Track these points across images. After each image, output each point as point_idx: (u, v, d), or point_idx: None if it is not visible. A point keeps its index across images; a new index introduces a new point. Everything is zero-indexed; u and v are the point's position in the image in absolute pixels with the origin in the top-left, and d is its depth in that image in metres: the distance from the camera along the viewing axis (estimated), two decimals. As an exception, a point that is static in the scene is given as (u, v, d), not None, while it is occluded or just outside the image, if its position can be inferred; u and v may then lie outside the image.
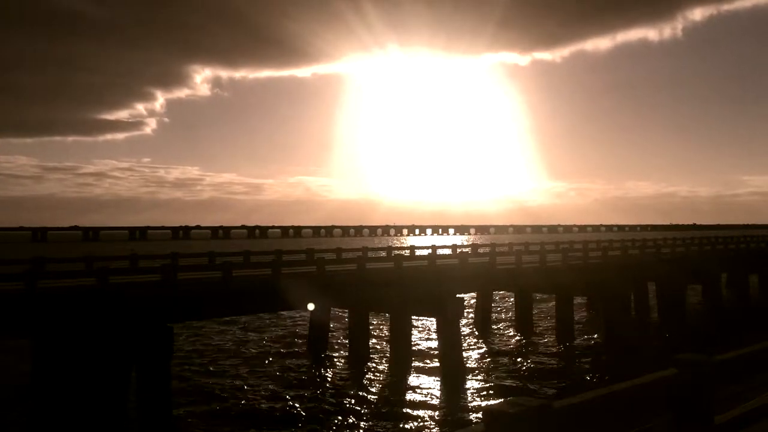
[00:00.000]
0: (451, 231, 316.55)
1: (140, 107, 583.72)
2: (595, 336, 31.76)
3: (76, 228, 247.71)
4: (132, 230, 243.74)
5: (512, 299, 38.60)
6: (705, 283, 42.62)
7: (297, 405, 19.70)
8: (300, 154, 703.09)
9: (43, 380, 19.07)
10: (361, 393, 20.98)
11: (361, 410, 19.09)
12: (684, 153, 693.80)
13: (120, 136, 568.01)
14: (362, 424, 17.86)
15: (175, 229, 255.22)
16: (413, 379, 22.70)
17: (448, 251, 33.65)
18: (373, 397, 20.65)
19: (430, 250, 30.77)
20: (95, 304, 18.04)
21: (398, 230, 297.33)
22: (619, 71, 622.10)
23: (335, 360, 26.43)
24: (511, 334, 32.71)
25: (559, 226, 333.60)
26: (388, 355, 26.20)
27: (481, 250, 35.85)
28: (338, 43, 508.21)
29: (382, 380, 22.96)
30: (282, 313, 35.79)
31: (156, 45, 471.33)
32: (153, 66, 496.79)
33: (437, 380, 22.52)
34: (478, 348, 28.92)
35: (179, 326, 29.24)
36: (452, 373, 23.02)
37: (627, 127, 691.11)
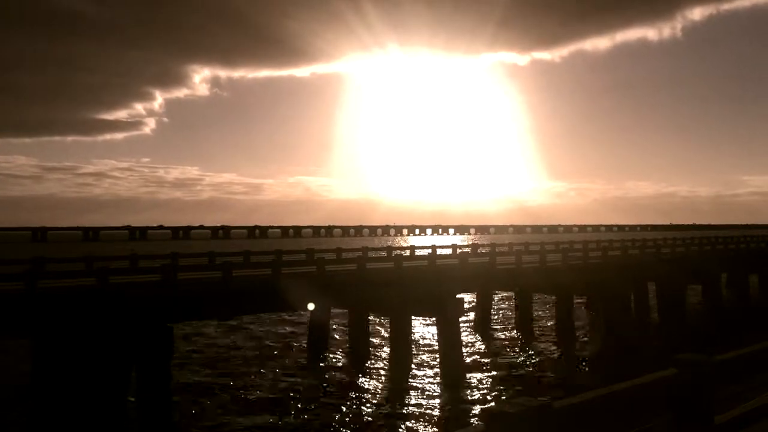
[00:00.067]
0: (451, 231, 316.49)
1: (139, 107, 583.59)
2: (595, 336, 31.77)
3: (76, 228, 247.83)
4: (132, 230, 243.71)
5: (512, 299, 38.60)
6: (705, 283, 42.62)
7: (297, 405, 19.70)
8: (300, 154, 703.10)
9: (43, 380, 19.06)
10: (361, 393, 20.99)
11: (361, 410, 19.10)
12: (684, 153, 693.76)
13: (119, 136, 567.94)
14: (362, 424, 17.86)
15: (175, 229, 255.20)
16: (413, 379, 22.70)
17: (448, 251, 33.66)
18: (373, 397, 20.65)
19: (430, 250, 30.79)
20: (95, 304, 18.04)
21: (398, 230, 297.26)
22: (619, 71, 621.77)
23: (335, 360, 26.43)
24: (511, 334, 32.72)
25: (560, 226, 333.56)
26: (388, 355, 26.20)
27: (481, 250, 35.87)
28: (338, 43, 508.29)
29: (382, 380, 22.96)
30: (282, 313, 35.78)
31: (154, 45, 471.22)
32: (152, 66, 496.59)
33: (437, 380, 22.52)
34: (478, 348, 28.92)
35: (179, 326, 29.27)
36: (452, 373, 23.02)
37: (627, 127, 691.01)
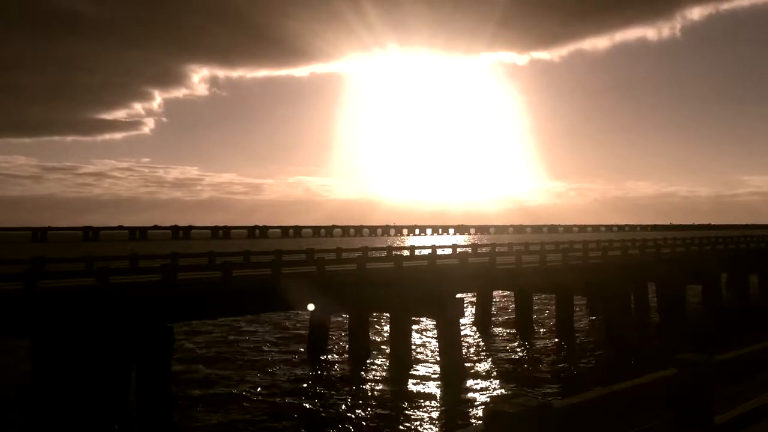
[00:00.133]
0: (451, 231, 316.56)
1: (138, 107, 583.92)
2: (595, 336, 31.78)
3: (76, 228, 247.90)
4: (132, 230, 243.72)
5: (512, 299, 38.60)
6: (705, 283, 42.62)
7: (297, 405, 19.70)
8: (299, 154, 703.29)
9: (43, 380, 19.07)
10: (361, 393, 21.00)
11: (361, 410, 19.10)
12: (684, 153, 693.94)
13: (118, 135, 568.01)
14: (362, 424, 17.86)
15: (175, 229, 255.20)
16: (413, 379, 22.70)
17: (448, 251, 33.66)
18: (373, 397, 20.65)
19: (430, 250, 30.77)
20: (95, 304, 18.04)
21: (398, 230, 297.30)
22: (618, 71, 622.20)
23: (335, 360, 26.43)
24: (511, 334, 32.71)
25: (560, 226, 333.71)
26: (388, 355, 26.20)
27: (481, 250, 35.86)
28: (337, 43, 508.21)
29: (382, 380, 22.95)
30: (282, 312, 35.77)
31: (153, 45, 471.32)
32: (151, 66, 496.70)
33: (437, 380, 22.52)
34: (478, 348, 28.92)
35: (179, 326, 29.27)
36: (452, 373, 23.02)
37: (626, 127, 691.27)
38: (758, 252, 51.69)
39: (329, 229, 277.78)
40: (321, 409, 19.22)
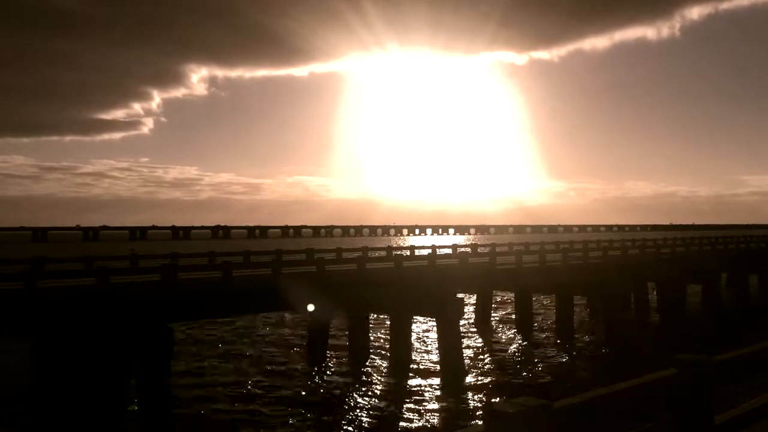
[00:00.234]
0: (451, 231, 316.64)
1: (137, 107, 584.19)
2: (595, 336, 31.78)
3: (76, 228, 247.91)
4: (132, 230, 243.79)
5: (512, 299, 38.60)
6: (705, 283, 42.62)
7: (297, 404, 19.70)
8: (298, 153, 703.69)
9: (43, 380, 19.07)
10: (361, 393, 21.00)
11: (361, 410, 19.10)
12: (683, 153, 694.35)
13: (117, 135, 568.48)
14: (362, 424, 17.86)
15: (175, 229, 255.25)
16: (413, 379, 22.70)
17: (448, 251, 33.66)
18: (373, 397, 20.65)
19: (430, 250, 30.78)
20: (95, 304, 18.04)
21: (398, 230, 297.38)
22: (617, 70, 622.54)
23: (335, 360, 26.42)
24: (511, 334, 32.72)
25: (560, 226, 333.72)
26: (388, 355, 26.20)
27: (481, 250, 35.86)
28: (337, 43, 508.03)
29: (382, 380, 22.96)
30: (282, 312, 35.76)
31: (152, 44, 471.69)
32: (149, 65, 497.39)
33: (437, 380, 22.52)
34: (478, 348, 28.92)
35: (179, 326, 29.27)
36: (452, 373, 23.02)
37: (626, 126, 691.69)
38: (758, 252, 51.70)
39: (329, 229, 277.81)
40: (321, 409, 19.21)
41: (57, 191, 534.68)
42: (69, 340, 17.82)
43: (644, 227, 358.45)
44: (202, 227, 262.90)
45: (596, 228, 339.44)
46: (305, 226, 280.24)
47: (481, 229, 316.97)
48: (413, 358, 25.53)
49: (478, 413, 18.44)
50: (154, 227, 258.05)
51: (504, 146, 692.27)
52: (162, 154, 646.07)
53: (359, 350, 26.68)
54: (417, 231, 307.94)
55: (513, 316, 36.44)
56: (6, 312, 17.19)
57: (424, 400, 19.99)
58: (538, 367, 25.02)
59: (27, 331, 18.63)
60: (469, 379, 22.89)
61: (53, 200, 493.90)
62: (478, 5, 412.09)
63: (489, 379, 22.94)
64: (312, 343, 28.33)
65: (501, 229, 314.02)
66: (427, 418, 18.23)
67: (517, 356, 27.18)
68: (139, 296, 19.14)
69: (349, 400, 20.19)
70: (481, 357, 26.95)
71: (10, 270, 20.86)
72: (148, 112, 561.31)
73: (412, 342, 27.03)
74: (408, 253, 34.95)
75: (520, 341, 30.68)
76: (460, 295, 25.02)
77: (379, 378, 23.30)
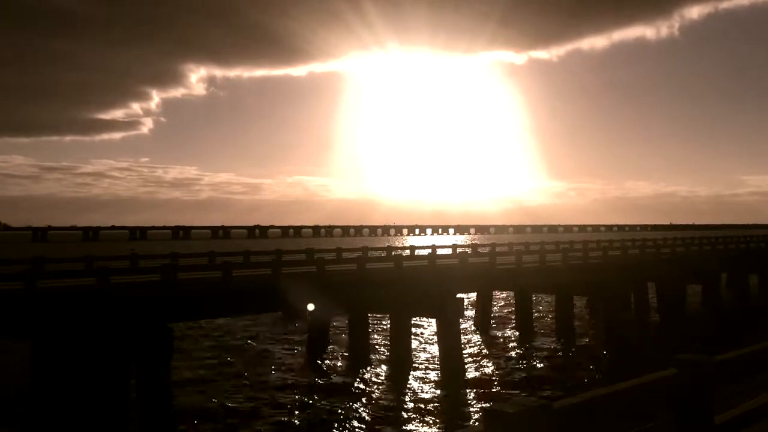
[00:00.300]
0: (451, 231, 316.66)
1: (136, 107, 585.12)
2: (595, 336, 31.77)
3: (76, 228, 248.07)
4: (132, 230, 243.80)
5: (512, 299, 38.58)
6: (705, 283, 42.61)
7: (297, 404, 19.70)
8: (298, 153, 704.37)
9: (43, 380, 19.07)
10: (360, 393, 20.99)
11: (361, 410, 19.09)
12: (683, 153, 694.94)
13: (116, 135, 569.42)
14: (362, 423, 17.85)
15: (175, 229, 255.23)
16: (413, 379, 22.69)
17: (448, 251, 33.67)
18: (372, 397, 20.64)
19: (430, 250, 30.77)
20: (95, 304, 18.04)
21: (398, 230, 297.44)
22: (617, 70, 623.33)
23: (335, 360, 26.42)
24: (511, 334, 32.71)
25: (559, 226, 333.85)
26: (388, 355, 26.20)
27: (481, 250, 35.87)
28: (336, 42, 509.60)
29: (382, 380, 22.95)
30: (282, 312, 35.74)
31: (150, 44, 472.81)
32: (148, 65, 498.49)
33: (437, 380, 22.51)
34: (478, 348, 28.91)
35: (179, 326, 29.27)
36: (452, 373, 23.02)
37: (625, 126, 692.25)
38: (758, 252, 51.69)
39: (329, 229, 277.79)
40: (321, 409, 19.21)
41: (57, 191, 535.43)
42: (69, 340, 17.82)
43: (644, 227, 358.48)
44: (201, 227, 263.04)
45: (596, 228, 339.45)
46: (305, 226, 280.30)
47: (481, 229, 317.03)
48: (413, 358, 25.52)
49: (478, 413, 18.44)
50: (154, 227, 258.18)
51: (504, 146, 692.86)
52: (161, 154, 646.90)
53: (359, 350, 26.67)
54: (417, 231, 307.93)
55: (513, 316, 36.44)
56: (6, 312, 17.19)
57: (424, 400, 19.99)
58: (538, 368, 25.01)
59: (27, 331, 18.64)
60: (469, 379, 22.88)
61: (53, 200, 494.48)
62: (478, 5, 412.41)
63: (489, 379, 22.93)
64: (312, 343, 28.34)
65: (501, 229, 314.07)
66: (427, 418, 18.22)
67: (517, 356, 27.17)
68: (139, 296, 19.15)
69: (349, 399, 20.17)
70: (481, 357, 26.94)
71: (10, 270, 20.87)
72: (148, 112, 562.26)
73: (412, 342, 27.03)
74: (408, 253, 34.95)
75: (520, 341, 30.67)
76: (460, 295, 25.01)
77: (379, 378, 23.30)
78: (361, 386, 21.90)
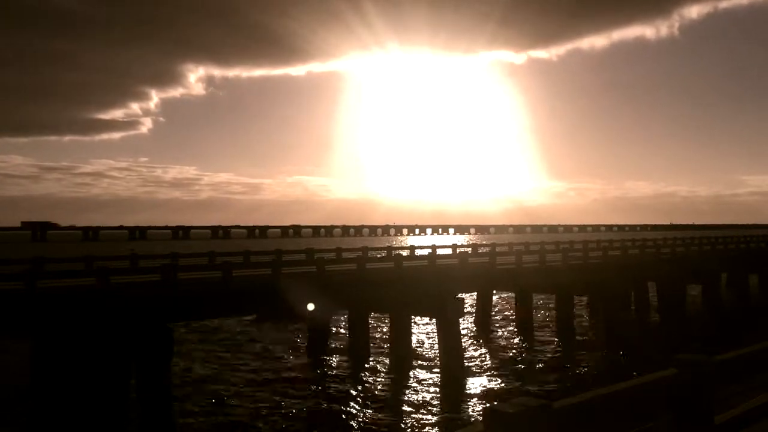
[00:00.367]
0: (451, 231, 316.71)
1: (135, 106, 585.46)
2: (595, 336, 31.76)
3: (76, 228, 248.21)
4: (132, 230, 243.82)
5: (512, 299, 38.59)
6: (705, 283, 42.61)
7: (297, 404, 19.69)
8: (297, 153, 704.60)
9: (43, 380, 19.07)
10: (360, 393, 20.98)
11: (360, 410, 19.09)
12: (684, 153, 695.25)
13: (116, 135, 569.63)
14: (362, 423, 17.85)
15: (175, 229, 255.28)
16: (413, 379, 22.69)
17: (448, 251, 33.67)
18: (373, 397, 20.64)
19: (430, 250, 30.77)
20: (95, 304, 18.04)
21: (398, 230, 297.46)
22: (616, 70, 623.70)
23: (335, 359, 26.42)
24: (511, 334, 32.71)
25: (560, 226, 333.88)
26: (388, 355, 26.19)
27: (481, 250, 35.87)
28: (336, 42, 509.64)
29: (382, 380, 22.95)
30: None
31: (149, 44, 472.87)
32: (147, 65, 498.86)
33: (437, 380, 22.51)
34: (478, 348, 28.91)
35: (179, 326, 29.28)
36: (452, 373, 23.02)
37: (625, 126, 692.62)
38: (758, 252, 51.69)
39: (329, 229, 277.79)
40: (321, 409, 19.21)
41: (56, 191, 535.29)
42: (69, 340, 17.82)
43: (644, 227, 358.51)
44: (201, 227, 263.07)
45: (596, 228, 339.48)
46: (305, 226, 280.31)
47: (481, 229, 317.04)
48: (413, 357, 25.52)
49: (478, 413, 18.44)
50: (154, 227, 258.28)
51: (504, 146, 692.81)
52: (161, 154, 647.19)
53: (359, 350, 26.67)
54: (417, 231, 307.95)
55: (513, 316, 36.44)
56: (6, 312, 17.19)
57: (424, 400, 19.99)
58: (538, 367, 25.01)
59: (27, 331, 18.64)
60: (469, 378, 22.89)
61: (52, 200, 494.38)
62: (478, 5, 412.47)
63: (489, 379, 22.94)
64: (312, 342, 28.34)
65: (501, 229, 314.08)
66: (427, 418, 18.22)
67: (517, 356, 27.17)
68: (139, 296, 19.15)
69: (349, 399, 20.17)
70: (481, 357, 26.94)
71: (10, 270, 20.87)
72: (147, 112, 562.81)
73: (412, 342, 27.02)
74: (408, 253, 34.96)
75: (520, 341, 30.67)
76: (460, 295, 25.02)
77: (379, 378, 23.29)
78: (361, 386, 21.89)
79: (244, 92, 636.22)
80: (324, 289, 22.65)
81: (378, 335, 30.55)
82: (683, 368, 4.76)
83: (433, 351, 26.43)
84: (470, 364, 25.20)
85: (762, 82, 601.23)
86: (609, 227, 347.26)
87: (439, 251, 31.32)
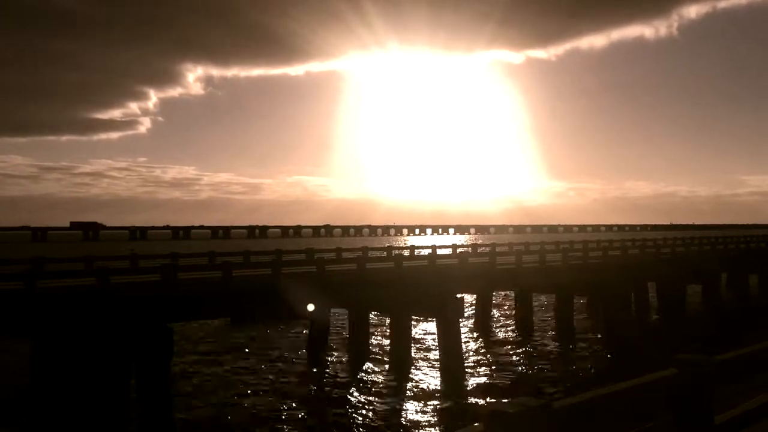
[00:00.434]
0: (451, 231, 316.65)
1: (134, 106, 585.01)
2: (595, 336, 31.76)
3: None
4: (132, 230, 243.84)
5: (512, 299, 38.59)
6: (705, 283, 42.62)
7: (297, 404, 19.70)
8: (297, 153, 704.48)
9: (43, 380, 19.07)
10: (360, 392, 20.98)
11: (361, 410, 19.09)
12: (683, 153, 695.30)
13: (114, 135, 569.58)
14: (362, 423, 17.85)
15: (175, 229, 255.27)
16: (413, 379, 22.69)
17: (448, 251, 33.69)
18: (372, 396, 20.64)
19: (430, 250, 30.79)
20: (95, 304, 18.04)
21: (398, 230, 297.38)
22: (615, 69, 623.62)
23: (335, 359, 26.42)
24: (511, 334, 32.70)
25: (560, 226, 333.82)
26: (388, 355, 26.19)
27: (481, 250, 35.87)
28: (336, 41, 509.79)
29: (382, 380, 22.95)
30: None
31: (148, 44, 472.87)
32: (145, 65, 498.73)
33: (437, 380, 22.51)
34: (478, 348, 28.91)
35: (179, 326, 29.26)
36: (452, 373, 23.01)
37: (625, 126, 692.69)
38: (758, 252, 51.69)
39: (329, 229, 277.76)
40: (321, 409, 19.21)
41: (56, 191, 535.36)
42: (69, 340, 17.83)
43: (644, 227, 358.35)
44: (201, 227, 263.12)
45: (596, 228, 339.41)
46: (305, 226, 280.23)
47: (481, 229, 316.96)
48: (413, 357, 25.52)
49: (478, 413, 18.43)
50: (154, 227, 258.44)
51: (504, 146, 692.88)
52: (160, 154, 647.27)
53: (359, 350, 26.68)
54: (417, 231, 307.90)
55: (513, 316, 36.44)
56: (6, 312, 17.19)
57: (424, 400, 19.98)
58: (538, 367, 25.00)
59: (27, 331, 18.65)
60: (469, 379, 22.88)
61: (52, 200, 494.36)
62: (478, 5, 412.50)
63: (489, 380, 22.93)
64: (312, 342, 28.34)
65: (501, 229, 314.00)
66: (427, 418, 18.22)
67: (517, 356, 27.17)
68: (139, 296, 19.15)
69: (349, 399, 20.17)
70: (481, 357, 26.94)
71: (10, 270, 20.88)
72: (145, 112, 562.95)
73: (412, 342, 27.02)
74: (408, 253, 34.96)
75: (520, 341, 30.66)
76: (460, 295, 25.01)
77: (379, 378, 23.29)
78: (361, 386, 21.89)
79: (243, 92, 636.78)
80: (324, 289, 22.65)
81: (378, 335, 30.56)
82: (683, 368, 4.76)
83: (433, 351, 26.43)
84: (470, 363, 25.20)
85: (761, 82, 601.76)
86: (609, 227, 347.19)
87: (439, 251, 31.35)
